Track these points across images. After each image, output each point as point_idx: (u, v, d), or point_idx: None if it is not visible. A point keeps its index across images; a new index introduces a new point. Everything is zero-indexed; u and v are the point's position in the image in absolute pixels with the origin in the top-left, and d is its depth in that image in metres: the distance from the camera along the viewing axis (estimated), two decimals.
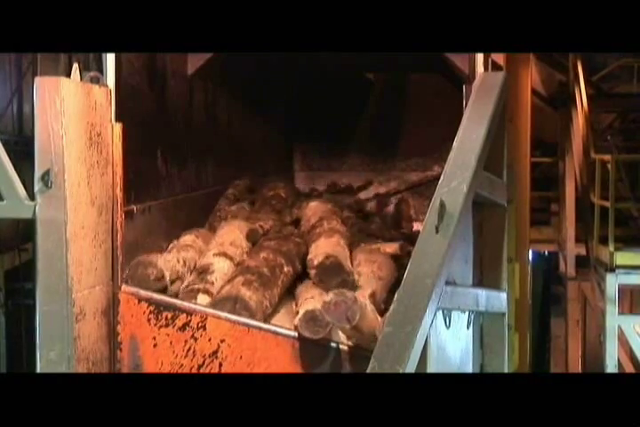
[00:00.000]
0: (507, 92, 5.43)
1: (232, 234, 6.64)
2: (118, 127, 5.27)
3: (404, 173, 12.22)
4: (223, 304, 5.17)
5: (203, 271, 5.77)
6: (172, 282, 5.59)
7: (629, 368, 9.51)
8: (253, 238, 6.71)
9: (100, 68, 5.23)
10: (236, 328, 5.05)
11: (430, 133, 11.54)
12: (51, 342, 4.72)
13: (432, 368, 4.49)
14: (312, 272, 5.77)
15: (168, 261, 5.65)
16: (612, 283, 8.08)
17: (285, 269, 5.94)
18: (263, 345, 5.01)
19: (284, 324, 5.25)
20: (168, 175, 6.98)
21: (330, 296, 4.74)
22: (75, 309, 4.77)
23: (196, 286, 5.53)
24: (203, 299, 5.40)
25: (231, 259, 6.10)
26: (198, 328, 5.09)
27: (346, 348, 4.90)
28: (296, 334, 4.97)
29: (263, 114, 10.59)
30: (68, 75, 5.05)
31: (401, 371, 4.08)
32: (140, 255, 5.62)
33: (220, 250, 6.17)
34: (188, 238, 6.52)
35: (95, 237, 5.02)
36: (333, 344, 4.91)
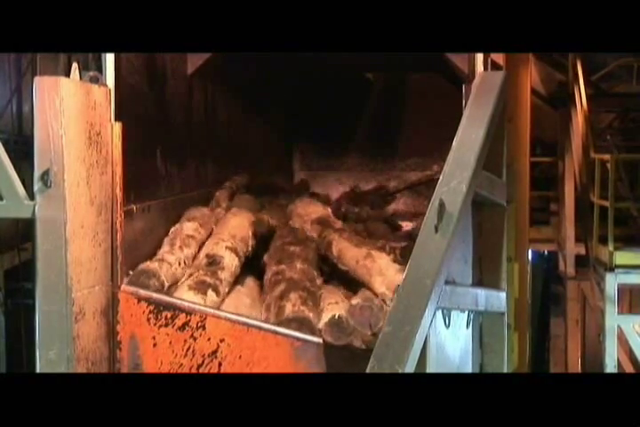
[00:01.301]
0: (506, 91, 5.43)
1: (242, 229, 6.69)
2: (118, 127, 5.26)
3: (403, 173, 12.22)
4: (289, 324, 5.08)
5: (213, 263, 5.78)
6: (170, 286, 5.59)
7: (629, 368, 9.52)
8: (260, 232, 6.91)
9: (100, 68, 5.22)
10: (235, 328, 5.05)
11: (430, 133, 11.55)
12: (50, 342, 4.72)
13: (431, 368, 4.49)
14: None
15: (170, 265, 5.63)
16: (612, 282, 8.09)
17: (318, 281, 5.94)
18: (262, 345, 5.01)
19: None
20: (167, 175, 6.98)
21: (357, 300, 4.80)
22: (74, 308, 4.77)
23: (208, 280, 5.51)
24: (210, 295, 5.38)
25: (238, 256, 6.16)
26: (198, 328, 5.09)
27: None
28: (295, 334, 4.98)
29: (263, 113, 10.60)
30: (68, 74, 5.04)
31: (400, 370, 4.08)
32: (143, 258, 5.63)
33: (232, 244, 6.21)
34: (190, 226, 6.49)
35: (95, 236, 5.02)
36: (333, 344, 4.91)
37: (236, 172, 9.17)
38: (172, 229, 6.40)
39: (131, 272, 5.35)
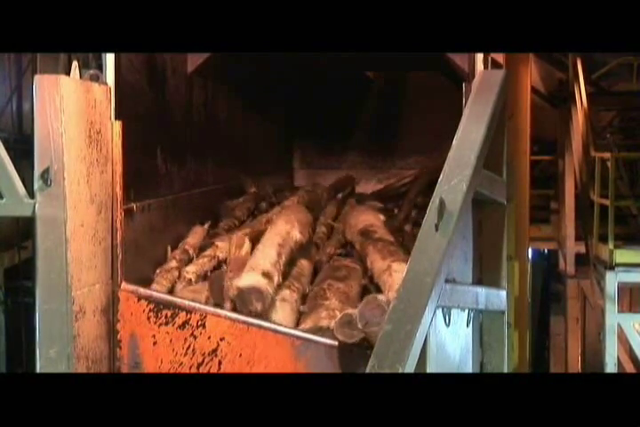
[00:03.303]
0: (506, 89, 5.42)
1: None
2: (118, 125, 5.27)
3: (403, 171, 12.21)
4: (315, 332, 5.12)
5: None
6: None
7: (629, 367, 9.53)
8: None
9: (100, 66, 5.23)
10: (235, 326, 5.05)
11: (430, 131, 11.54)
12: (50, 341, 4.73)
13: (432, 366, 4.49)
14: None
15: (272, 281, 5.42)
16: (612, 281, 8.08)
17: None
18: (263, 343, 5.01)
19: None
20: (167, 173, 6.98)
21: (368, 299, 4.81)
22: (74, 307, 4.78)
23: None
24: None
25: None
26: (198, 326, 5.09)
27: (345, 346, 4.90)
28: (295, 333, 4.99)
29: (263, 112, 10.59)
30: (68, 73, 5.05)
31: (401, 369, 4.08)
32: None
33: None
34: (298, 237, 6.33)
35: (95, 235, 5.03)
36: (333, 343, 4.91)
37: (237, 171, 9.17)
38: (283, 235, 6.11)
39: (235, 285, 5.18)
